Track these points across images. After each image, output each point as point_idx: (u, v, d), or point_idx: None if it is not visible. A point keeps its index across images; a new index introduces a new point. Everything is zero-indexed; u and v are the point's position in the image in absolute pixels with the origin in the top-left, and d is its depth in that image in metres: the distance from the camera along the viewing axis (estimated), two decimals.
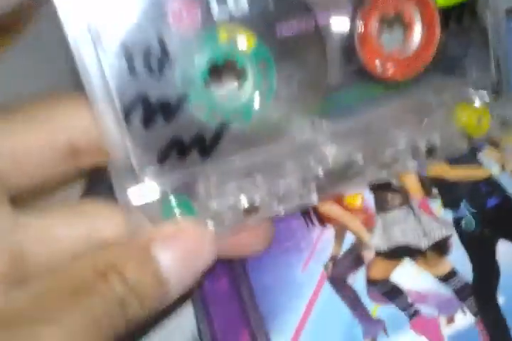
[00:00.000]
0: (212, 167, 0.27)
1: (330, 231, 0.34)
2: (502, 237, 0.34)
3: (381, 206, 0.35)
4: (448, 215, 0.35)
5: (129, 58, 0.25)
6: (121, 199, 0.25)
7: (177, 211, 0.25)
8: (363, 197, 0.35)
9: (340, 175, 0.28)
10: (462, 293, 0.33)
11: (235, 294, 0.34)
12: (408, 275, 0.33)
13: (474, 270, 0.33)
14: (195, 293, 0.35)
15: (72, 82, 0.25)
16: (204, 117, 0.26)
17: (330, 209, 0.35)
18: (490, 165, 0.36)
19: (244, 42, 0.26)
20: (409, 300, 0.33)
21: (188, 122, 0.26)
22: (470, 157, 0.35)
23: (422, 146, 0.29)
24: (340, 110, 0.29)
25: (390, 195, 0.35)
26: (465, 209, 0.35)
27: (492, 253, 0.33)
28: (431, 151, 0.29)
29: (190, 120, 0.26)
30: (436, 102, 0.30)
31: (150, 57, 0.25)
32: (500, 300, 0.32)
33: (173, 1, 0.25)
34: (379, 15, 0.29)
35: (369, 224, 0.34)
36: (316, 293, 0.33)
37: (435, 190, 0.35)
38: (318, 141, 0.28)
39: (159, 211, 0.25)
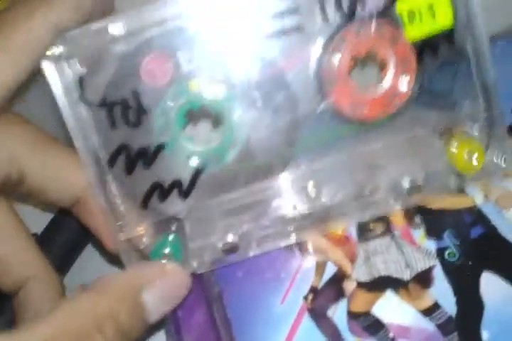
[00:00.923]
0: (191, 208, 0.28)
1: (310, 261, 0.33)
2: (486, 269, 0.33)
3: (363, 235, 0.34)
4: (431, 245, 0.34)
5: (109, 111, 0.27)
6: (113, 239, 0.28)
7: (165, 250, 0.28)
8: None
9: (321, 215, 0.29)
10: (445, 328, 0.32)
11: (211, 325, 0.33)
12: (390, 308, 0.33)
13: (458, 303, 0.32)
14: (170, 324, 0.33)
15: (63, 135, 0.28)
16: (181, 162, 0.28)
17: (311, 238, 0.33)
18: (474, 193, 0.34)
19: (214, 91, 0.28)
20: (391, 334, 0.32)
21: (167, 168, 0.28)
22: None
23: (405, 184, 0.28)
24: (319, 150, 0.29)
25: (372, 224, 0.34)
26: (448, 239, 0.34)
27: (476, 285, 0.32)
28: (414, 189, 0.28)
29: (168, 165, 0.28)
30: (421, 138, 0.29)
31: (128, 110, 0.27)
32: (484, 335, 0.31)
33: (146, 59, 0.27)
34: (350, 55, 0.29)
35: (350, 254, 0.33)
36: (295, 326, 0.32)
37: (418, 219, 0.34)
38: (297, 182, 0.29)
39: (147, 248, 0.29)
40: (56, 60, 0.26)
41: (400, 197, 0.30)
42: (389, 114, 0.29)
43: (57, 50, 0.26)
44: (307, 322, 0.33)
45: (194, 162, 0.28)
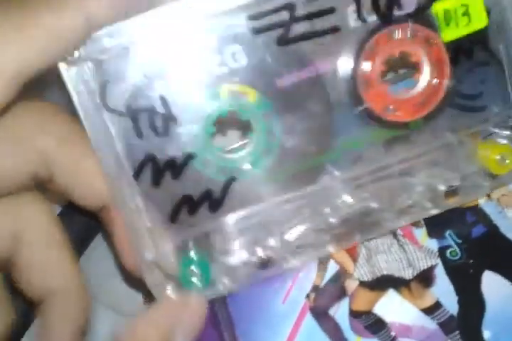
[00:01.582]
0: (223, 221, 0.27)
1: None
2: (487, 268, 0.33)
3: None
4: (433, 244, 0.34)
5: (135, 120, 0.25)
6: (140, 257, 0.26)
7: (193, 267, 0.26)
8: None
9: (357, 223, 0.28)
10: (447, 327, 0.32)
11: (213, 325, 0.33)
12: (392, 307, 0.33)
13: (459, 302, 0.32)
14: None
15: None
16: (211, 173, 0.26)
17: None
18: None
19: (245, 96, 0.26)
20: (393, 333, 0.32)
21: (196, 179, 0.26)
22: None
23: (441, 189, 0.27)
24: (351, 156, 0.28)
25: None
26: (450, 238, 0.33)
27: (477, 284, 0.33)
28: (451, 193, 0.28)
29: (197, 176, 0.26)
30: (454, 141, 0.29)
31: (155, 118, 0.25)
32: (485, 334, 0.31)
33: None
34: (384, 57, 0.28)
35: (352, 253, 0.33)
36: (297, 325, 0.32)
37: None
38: (332, 190, 0.28)
39: (176, 267, 0.26)
40: (77, 63, 0.24)
41: (437, 201, 0.29)
42: (423, 117, 0.29)
43: (78, 52, 0.24)
44: (309, 320, 0.33)
45: (225, 172, 0.27)
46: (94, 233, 0.37)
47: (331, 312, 0.33)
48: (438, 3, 0.28)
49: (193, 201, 0.26)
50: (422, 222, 0.34)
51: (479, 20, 0.29)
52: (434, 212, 0.30)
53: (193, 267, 0.26)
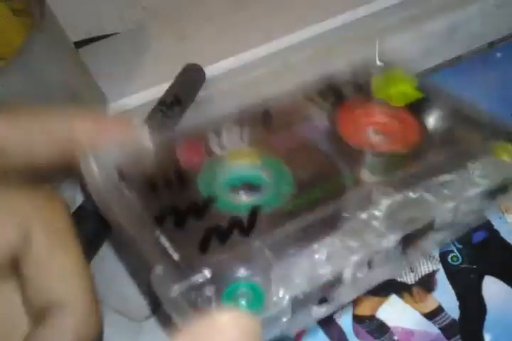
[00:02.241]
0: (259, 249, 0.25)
1: None
2: (488, 273, 0.33)
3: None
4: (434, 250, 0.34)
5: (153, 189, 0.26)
6: (171, 298, 0.23)
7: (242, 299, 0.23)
8: None
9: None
10: (449, 331, 0.32)
11: None
12: (394, 312, 0.33)
13: (460, 307, 0.33)
14: None
15: None
16: (235, 210, 0.26)
17: None
18: None
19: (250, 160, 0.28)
20: (396, 337, 0.32)
21: (220, 216, 0.26)
22: None
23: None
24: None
25: None
26: (451, 243, 0.34)
27: (478, 289, 0.33)
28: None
29: (221, 215, 0.26)
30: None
31: (172, 184, 0.27)
32: (486, 338, 0.32)
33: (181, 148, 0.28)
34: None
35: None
36: (301, 330, 0.32)
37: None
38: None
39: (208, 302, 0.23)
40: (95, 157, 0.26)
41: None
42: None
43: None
44: (313, 325, 0.33)
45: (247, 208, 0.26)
46: (103, 237, 0.38)
47: (335, 317, 0.34)
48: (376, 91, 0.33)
49: (222, 229, 0.25)
50: None
51: (414, 92, 0.33)
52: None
53: (242, 289, 0.24)
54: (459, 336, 0.32)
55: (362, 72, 0.35)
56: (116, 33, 0.56)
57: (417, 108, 0.32)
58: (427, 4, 0.49)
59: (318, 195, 0.27)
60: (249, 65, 0.49)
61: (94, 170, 0.26)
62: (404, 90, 0.33)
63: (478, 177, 0.27)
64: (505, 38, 0.44)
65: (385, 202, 0.26)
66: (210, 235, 0.25)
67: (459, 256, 0.34)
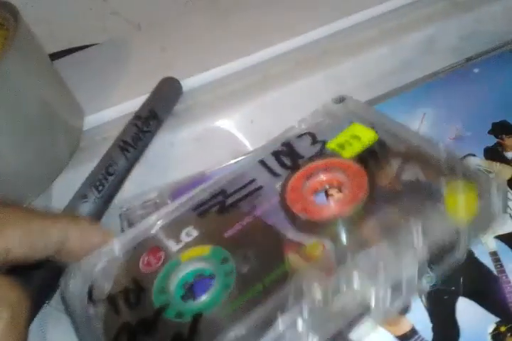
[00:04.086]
0: None
1: None
2: (462, 295, 0.32)
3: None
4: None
5: (113, 302, 0.31)
6: None
7: None
8: (323, 245, 0.33)
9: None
10: None
11: None
12: (367, 335, 0.31)
13: (434, 329, 0.31)
14: None
15: None
16: (180, 319, 0.29)
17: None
18: None
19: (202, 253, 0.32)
20: None
21: (166, 328, 0.29)
22: None
23: None
24: None
25: None
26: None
27: (452, 311, 0.32)
28: None
29: (167, 326, 0.29)
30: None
31: (129, 294, 0.31)
32: None
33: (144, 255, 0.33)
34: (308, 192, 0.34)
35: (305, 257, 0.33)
36: None
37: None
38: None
39: None
40: (72, 278, 0.32)
41: None
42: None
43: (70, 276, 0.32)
44: None
45: (192, 314, 0.30)
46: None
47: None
48: (329, 143, 0.36)
49: None
50: None
51: (368, 136, 0.35)
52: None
53: None
54: None
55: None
56: (96, 44, 0.55)
57: (368, 158, 0.34)
58: (405, 17, 0.49)
59: (259, 290, 0.29)
60: (227, 77, 0.48)
61: (71, 289, 0.31)
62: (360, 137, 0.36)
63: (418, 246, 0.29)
64: (482, 53, 0.43)
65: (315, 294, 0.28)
66: None
67: (433, 276, 0.33)
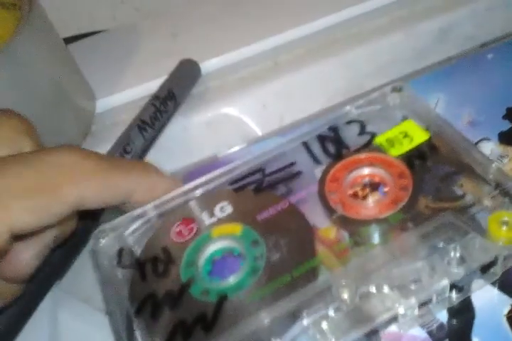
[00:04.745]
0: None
1: None
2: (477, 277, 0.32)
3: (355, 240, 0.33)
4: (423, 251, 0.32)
5: (142, 269, 0.31)
6: None
7: None
8: (337, 229, 0.33)
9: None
10: (437, 335, 0.31)
11: None
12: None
13: (449, 310, 0.31)
14: None
15: None
16: (206, 298, 0.30)
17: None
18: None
19: (233, 232, 0.32)
20: None
21: (191, 306, 0.29)
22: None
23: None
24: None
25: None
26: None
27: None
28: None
29: (192, 303, 0.29)
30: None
31: (157, 264, 0.31)
32: None
33: (176, 224, 0.33)
34: (348, 186, 0.34)
35: (338, 254, 0.32)
36: None
37: (410, 224, 0.33)
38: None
39: None
40: (101, 241, 0.32)
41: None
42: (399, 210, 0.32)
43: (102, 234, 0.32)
44: None
45: (218, 295, 0.30)
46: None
47: None
48: (378, 137, 0.35)
49: (186, 326, 0.28)
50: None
51: (421, 136, 0.34)
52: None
53: None
54: (447, 340, 0.31)
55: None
56: (107, 30, 0.55)
57: (415, 160, 0.33)
58: (418, 5, 0.48)
59: (287, 281, 0.29)
60: (238, 63, 0.48)
61: (101, 248, 0.32)
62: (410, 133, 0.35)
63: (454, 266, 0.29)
64: (496, 39, 0.43)
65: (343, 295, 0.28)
66: (175, 332, 0.28)
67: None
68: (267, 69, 0.47)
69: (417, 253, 0.30)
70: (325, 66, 0.44)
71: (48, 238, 0.31)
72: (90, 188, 0.29)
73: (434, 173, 0.33)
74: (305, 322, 0.28)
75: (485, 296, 0.32)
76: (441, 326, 0.32)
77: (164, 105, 0.42)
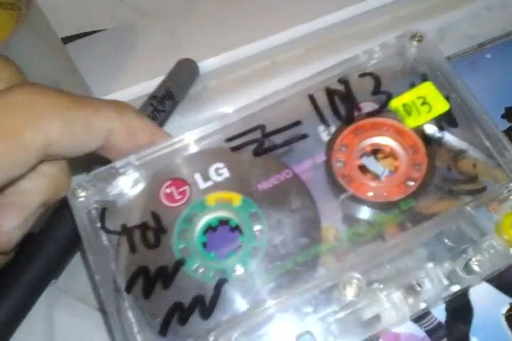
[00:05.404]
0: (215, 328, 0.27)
1: None
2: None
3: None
4: (422, 251, 0.32)
5: (129, 237, 0.28)
6: None
7: None
8: (336, 229, 0.32)
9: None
10: (435, 334, 0.31)
11: None
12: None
13: (447, 309, 0.31)
14: None
15: None
16: (201, 276, 0.28)
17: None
18: None
19: (231, 201, 0.29)
20: (381, 340, 0.31)
21: (187, 285, 0.27)
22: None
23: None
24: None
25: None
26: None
27: (465, 292, 0.31)
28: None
29: (188, 283, 0.27)
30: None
31: (146, 232, 0.28)
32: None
33: (165, 185, 0.29)
34: (357, 153, 0.31)
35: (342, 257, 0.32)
36: None
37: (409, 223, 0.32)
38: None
39: None
40: (80, 194, 0.29)
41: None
42: (411, 195, 0.29)
43: (81, 187, 0.28)
44: None
45: (215, 274, 0.28)
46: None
47: None
48: (394, 100, 0.31)
49: (183, 308, 0.27)
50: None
51: (440, 106, 0.31)
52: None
53: None
54: (445, 339, 0.31)
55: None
56: (105, 29, 0.54)
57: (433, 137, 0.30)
58: (417, 4, 0.48)
59: (291, 267, 0.28)
60: (235, 63, 0.48)
61: (79, 203, 0.29)
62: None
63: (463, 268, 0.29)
64: (494, 39, 0.43)
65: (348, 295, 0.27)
66: (170, 316, 0.26)
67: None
68: (265, 69, 0.47)
69: (425, 252, 0.29)
70: (324, 65, 0.44)
71: (32, 204, 0.27)
72: (55, 129, 0.25)
73: (448, 149, 0.30)
74: (309, 320, 0.27)
75: (483, 295, 0.32)
76: (439, 325, 0.32)
77: (162, 104, 0.41)
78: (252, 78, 0.46)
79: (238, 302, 0.27)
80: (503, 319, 0.32)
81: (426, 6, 0.48)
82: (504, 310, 0.32)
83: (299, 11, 0.50)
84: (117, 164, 0.29)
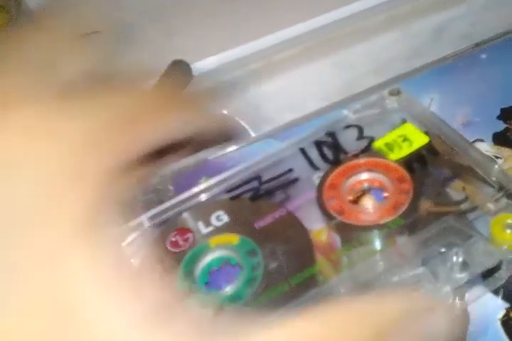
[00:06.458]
0: None
1: None
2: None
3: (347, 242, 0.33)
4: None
5: None
6: None
7: None
8: (329, 231, 0.32)
9: None
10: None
11: None
12: None
13: None
14: None
15: None
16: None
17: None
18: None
19: (230, 242, 0.31)
20: None
21: None
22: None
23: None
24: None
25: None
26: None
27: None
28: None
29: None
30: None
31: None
32: None
33: (171, 234, 0.32)
34: (347, 191, 0.33)
35: (335, 261, 0.32)
36: None
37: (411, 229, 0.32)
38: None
39: None
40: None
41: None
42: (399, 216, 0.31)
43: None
44: None
45: (215, 306, 0.29)
46: None
47: None
48: (377, 141, 0.34)
49: None
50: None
51: (420, 140, 0.34)
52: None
53: None
54: None
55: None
56: (97, 32, 0.54)
57: (415, 164, 0.33)
58: (414, 4, 0.48)
59: (285, 290, 0.29)
60: (231, 63, 0.47)
61: None
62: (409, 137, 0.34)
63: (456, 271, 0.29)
64: (490, 38, 0.43)
65: None
66: None
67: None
68: (260, 69, 0.47)
69: (418, 259, 0.29)
70: (320, 65, 0.44)
71: None
72: None
73: (435, 177, 0.33)
74: None
75: (479, 300, 0.32)
76: None
77: None
78: (248, 79, 0.46)
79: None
80: (499, 323, 0.31)
81: (422, 6, 0.48)
82: (500, 314, 0.32)
83: (293, 10, 0.49)
84: (131, 223, 0.32)
